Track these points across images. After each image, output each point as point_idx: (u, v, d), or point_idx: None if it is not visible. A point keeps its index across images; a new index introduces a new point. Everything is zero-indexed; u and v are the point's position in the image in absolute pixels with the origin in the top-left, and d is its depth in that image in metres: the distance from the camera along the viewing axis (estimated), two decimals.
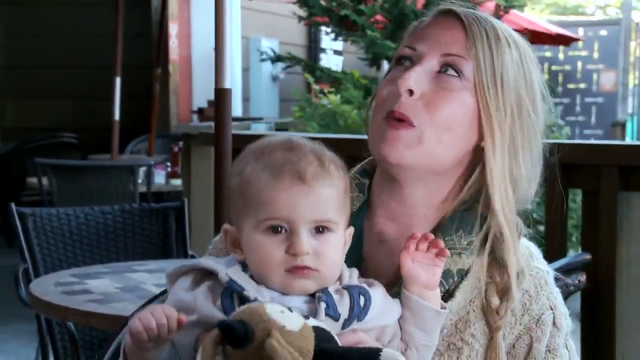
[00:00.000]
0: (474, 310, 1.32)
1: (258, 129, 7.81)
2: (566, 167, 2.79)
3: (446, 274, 1.30)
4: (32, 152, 6.86)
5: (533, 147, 1.33)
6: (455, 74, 1.28)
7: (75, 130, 7.82)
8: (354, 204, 1.36)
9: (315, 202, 1.17)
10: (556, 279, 2.35)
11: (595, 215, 2.73)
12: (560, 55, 12.29)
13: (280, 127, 8.00)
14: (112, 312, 2.35)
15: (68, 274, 2.88)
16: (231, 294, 1.15)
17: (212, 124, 3.00)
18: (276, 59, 6.70)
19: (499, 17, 6.07)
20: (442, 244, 1.23)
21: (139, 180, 5.53)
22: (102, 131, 6.38)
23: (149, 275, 2.86)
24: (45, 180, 5.45)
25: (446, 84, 1.28)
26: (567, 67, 12.29)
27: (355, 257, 1.32)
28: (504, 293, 1.32)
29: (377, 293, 1.22)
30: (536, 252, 1.41)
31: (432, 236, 1.23)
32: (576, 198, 4.23)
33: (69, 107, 8.75)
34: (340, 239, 1.21)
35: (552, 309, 1.35)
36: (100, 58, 7.91)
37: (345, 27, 6.43)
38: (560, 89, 12.00)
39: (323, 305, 1.15)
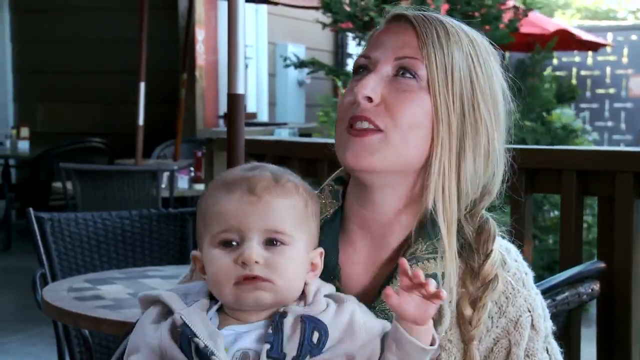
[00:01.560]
0: (449, 310, 1.30)
1: (281, 134, 7.83)
2: (581, 174, 2.76)
3: (432, 279, 1.26)
4: (60, 157, 6.92)
5: (484, 145, 1.31)
6: (411, 76, 1.29)
7: (104, 135, 7.88)
8: (328, 211, 1.35)
9: (264, 211, 1.17)
10: (567, 288, 2.32)
11: (610, 223, 2.69)
12: (589, 60, 12.18)
13: (304, 133, 8.01)
14: (122, 319, 2.36)
15: (82, 279, 2.90)
16: (188, 337, 1.14)
17: None
18: (299, 64, 6.70)
19: (517, 19, 5.98)
20: (432, 286, 1.16)
21: (163, 185, 5.55)
22: (130, 136, 6.42)
23: (162, 281, 2.87)
24: (69, 185, 5.49)
25: (403, 86, 1.29)
26: (596, 72, 12.19)
27: (331, 265, 1.31)
28: (476, 302, 1.30)
29: (343, 315, 1.19)
30: (514, 251, 1.38)
31: (420, 275, 1.16)
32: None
33: (99, 112, 8.83)
34: (297, 254, 1.19)
35: (529, 311, 1.33)
36: (129, 63, 7.97)
37: (369, 32, 6.41)
38: (588, 94, 11.90)
39: (267, 346, 1.13)
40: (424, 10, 1.35)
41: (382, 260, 1.34)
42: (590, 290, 2.35)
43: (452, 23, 1.33)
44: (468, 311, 1.30)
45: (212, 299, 1.20)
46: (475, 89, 1.30)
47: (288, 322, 1.16)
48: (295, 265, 1.19)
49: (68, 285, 2.80)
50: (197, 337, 1.13)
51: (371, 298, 1.30)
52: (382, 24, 1.36)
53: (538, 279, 2.25)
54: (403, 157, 1.28)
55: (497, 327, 1.32)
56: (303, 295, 1.21)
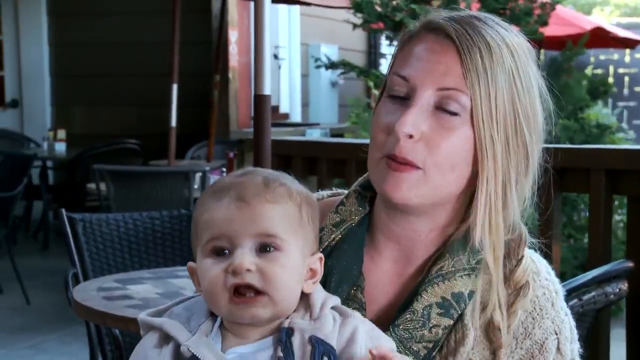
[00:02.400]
0: (475, 331, 1.26)
1: (313, 134, 7.84)
2: (610, 173, 2.74)
3: (458, 297, 1.25)
4: (96, 159, 7.00)
5: (525, 165, 1.26)
6: (453, 112, 1.21)
7: (139, 137, 7.95)
8: (352, 219, 1.32)
9: (253, 216, 1.13)
10: (594, 287, 2.30)
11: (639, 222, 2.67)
12: (627, 58, 12.04)
13: (336, 133, 8.01)
14: None
15: (112, 279, 2.93)
16: None
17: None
18: (330, 65, 6.69)
19: (546, 13, 5.90)
20: None
21: (195, 186, 5.59)
22: (164, 137, 6.48)
23: (190, 281, 2.88)
24: (103, 186, 5.55)
25: (446, 122, 1.22)
26: (634, 70, 12.03)
27: (355, 272, 1.28)
28: (507, 308, 1.27)
29: (346, 330, 1.15)
30: (544, 269, 1.33)
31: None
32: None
33: (134, 114, 8.91)
34: (292, 260, 1.14)
35: (556, 334, 1.29)
36: (164, 66, 8.04)
37: (401, 31, 6.39)
38: (626, 92, 11.75)
39: None
40: (461, 16, 1.25)
41: (408, 273, 1.31)
42: (617, 290, 2.33)
43: (494, 35, 1.24)
44: (498, 317, 1.26)
45: (213, 314, 1.17)
46: (517, 110, 1.23)
47: (296, 342, 1.12)
48: (291, 271, 1.14)
49: (97, 285, 2.83)
50: None
51: (394, 312, 1.27)
52: (416, 30, 1.27)
53: (572, 277, 2.24)
54: (442, 192, 1.24)
55: (521, 348, 1.28)
56: (308, 307, 1.17)
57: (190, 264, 1.20)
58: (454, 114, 1.21)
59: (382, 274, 1.32)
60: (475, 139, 1.22)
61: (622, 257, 3.88)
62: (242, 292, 1.11)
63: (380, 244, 1.32)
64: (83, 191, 7.15)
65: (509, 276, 1.28)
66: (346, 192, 1.38)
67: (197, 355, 1.11)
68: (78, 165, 7.73)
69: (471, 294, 1.26)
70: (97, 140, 7.95)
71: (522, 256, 1.29)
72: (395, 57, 1.29)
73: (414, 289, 1.28)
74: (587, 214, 5.83)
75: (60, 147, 7.85)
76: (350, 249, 1.29)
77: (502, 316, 1.26)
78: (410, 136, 1.20)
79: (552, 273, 1.34)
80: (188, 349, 1.12)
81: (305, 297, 1.18)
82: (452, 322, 1.25)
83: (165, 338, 1.16)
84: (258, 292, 1.11)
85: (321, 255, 1.21)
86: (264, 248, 1.13)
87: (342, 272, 1.27)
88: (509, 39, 1.25)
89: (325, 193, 1.44)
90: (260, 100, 2.75)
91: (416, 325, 1.24)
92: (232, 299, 1.11)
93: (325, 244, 1.31)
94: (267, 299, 1.12)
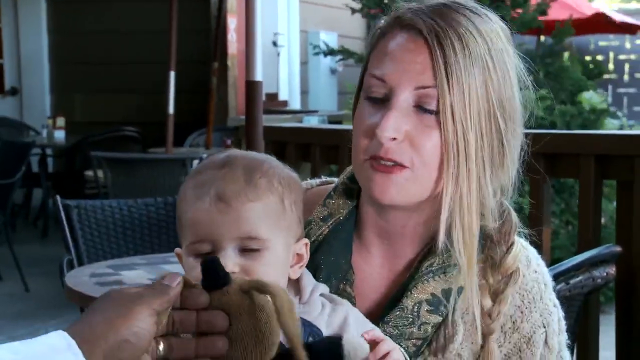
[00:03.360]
0: (464, 325, 1.26)
1: (310, 121, 7.84)
2: (600, 158, 2.74)
3: (448, 294, 1.25)
4: (95, 146, 7.01)
5: (499, 154, 1.24)
6: (432, 110, 1.19)
7: (138, 124, 7.96)
8: (340, 212, 1.31)
9: (236, 219, 1.12)
10: (582, 271, 2.30)
11: (629, 207, 2.68)
12: (627, 44, 12.01)
13: (333, 120, 8.02)
14: None
15: (105, 265, 2.95)
16: None
17: (267, 116, 3.06)
18: (329, 52, 6.69)
19: (546, 3, 5.90)
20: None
21: None
22: (163, 125, 6.49)
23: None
24: (101, 173, 5.57)
25: (426, 120, 1.20)
26: (633, 57, 12.00)
27: (344, 267, 1.28)
28: (497, 294, 1.26)
29: (337, 316, 1.16)
30: (534, 260, 1.33)
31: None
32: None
33: (133, 101, 8.91)
34: (277, 256, 1.14)
35: (544, 327, 1.29)
36: (163, 54, 8.05)
37: None
38: (626, 78, 11.73)
39: None
40: (431, 7, 1.22)
41: (397, 268, 1.31)
42: (605, 274, 2.34)
43: (466, 24, 1.21)
44: (488, 303, 1.26)
45: None
46: (491, 101, 1.21)
47: None
48: (275, 268, 1.14)
49: (90, 270, 2.85)
50: None
51: (383, 307, 1.27)
52: (386, 26, 1.25)
53: None
54: (430, 189, 1.22)
55: (509, 342, 1.28)
56: (298, 291, 1.18)
57: (178, 250, 1.21)
58: (431, 112, 1.20)
59: (371, 269, 1.31)
60: (448, 135, 1.19)
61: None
62: None
63: (367, 239, 1.31)
64: (82, 179, 7.18)
65: (499, 262, 1.27)
66: (335, 180, 1.38)
67: None
68: (77, 153, 7.75)
69: (460, 289, 1.25)
70: (96, 127, 7.96)
71: (513, 242, 1.29)
72: (369, 55, 1.27)
73: (403, 284, 1.28)
74: None
75: (60, 135, 7.87)
76: (338, 243, 1.29)
77: (492, 302, 1.26)
78: (394, 139, 1.19)
79: (542, 264, 1.34)
80: None
81: (295, 282, 1.19)
82: (441, 319, 1.25)
83: None
84: None
85: (306, 240, 1.21)
86: (248, 248, 1.13)
87: (330, 266, 1.27)
88: (482, 27, 1.23)
89: (314, 182, 1.43)
90: (251, 85, 2.76)
91: (405, 322, 1.24)
92: None
93: (313, 238, 1.30)
94: None
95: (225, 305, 1.00)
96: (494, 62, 1.22)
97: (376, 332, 1.13)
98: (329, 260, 1.28)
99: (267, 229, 1.13)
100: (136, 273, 2.80)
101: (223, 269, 1.01)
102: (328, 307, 1.17)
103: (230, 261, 1.11)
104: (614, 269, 2.37)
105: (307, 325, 1.13)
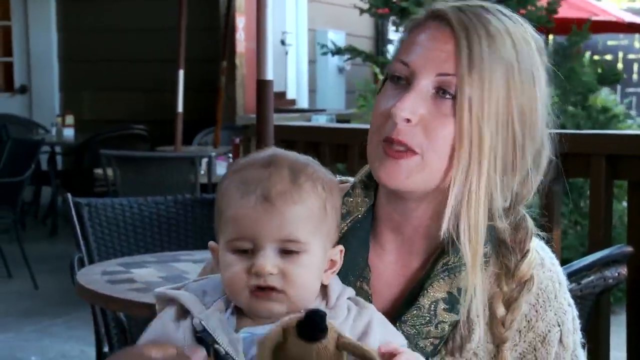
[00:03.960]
0: (479, 325, 1.26)
1: (319, 120, 7.84)
2: (611, 158, 2.74)
3: (464, 292, 1.24)
4: (103, 144, 7.03)
5: (513, 159, 1.24)
6: (450, 97, 1.21)
7: (147, 122, 7.98)
8: (359, 210, 1.31)
9: (279, 221, 1.13)
10: (593, 272, 2.30)
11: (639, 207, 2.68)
12: (636, 44, 11.98)
13: (341, 119, 8.02)
14: (153, 301, 2.40)
15: (116, 263, 2.95)
16: (207, 343, 1.13)
17: (275, 115, 3.06)
18: (337, 51, 6.70)
19: (557, 1, 5.89)
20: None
21: (202, 172, 5.61)
22: (172, 123, 6.50)
23: (193, 265, 2.91)
24: (110, 172, 5.58)
25: (443, 108, 1.21)
26: None
27: (361, 264, 1.28)
28: (510, 303, 1.26)
29: (362, 320, 1.16)
30: (549, 260, 1.33)
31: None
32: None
33: (142, 99, 8.93)
34: (314, 259, 1.15)
35: (559, 326, 1.29)
36: (172, 52, 8.06)
37: (407, 18, 6.40)
38: (635, 78, 11.70)
39: None
40: (468, 6, 1.24)
41: (412, 265, 1.31)
42: (616, 274, 2.34)
43: (498, 25, 1.23)
44: (501, 312, 1.26)
45: (229, 301, 1.17)
46: (511, 105, 1.22)
47: None
48: (312, 271, 1.16)
49: (102, 268, 2.86)
50: (218, 344, 1.12)
51: (398, 305, 1.27)
52: (421, 18, 1.27)
53: None
54: (439, 178, 1.22)
55: (524, 341, 1.28)
56: (325, 295, 1.18)
57: (212, 243, 1.21)
58: (450, 98, 1.21)
59: (386, 267, 1.31)
60: (463, 125, 1.20)
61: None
62: (263, 289, 1.13)
63: (382, 236, 1.32)
64: (91, 177, 7.19)
65: (514, 270, 1.27)
66: (351, 179, 1.38)
67: (208, 328, 1.13)
68: (86, 151, 7.76)
69: (477, 288, 1.25)
70: (105, 125, 7.98)
71: (528, 250, 1.28)
72: (399, 44, 1.29)
73: (419, 282, 1.28)
74: None
75: (69, 133, 7.89)
76: (356, 240, 1.29)
77: (505, 311, 1.26)
78: (408, 120, 1.20)
79: (556, 263, 1.34)
80: (200, 321, 1.14)
81: (323, 286, 1.20)
82: (458, 317, 1.25)
83: (183, 313, 1.17)
84: (278, 291, 1.13)
85: (342, 247, 1.22)
86: (288, 250, 1.14)
87: (348, 264, 1.27)
88: (513, 31, 1.24)
89: None
90: (262, 85, 2.76)
91: (422, 322, 1.24)
92: (253, 294, 1.14)
93: None
94: (286, 297, 1.14)
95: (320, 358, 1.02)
96: (520, 68, 1.23)
97: (393, 344, 1.12)
98: (347, 258, 1.27)
99: (308, 232, 1.14)
100: (147, 271, 2.81)
101: (325, 323, 1.02)
102: (354, 311, 1.17)
103: (270, 263, 1.12)
104: (625, 269, 2.36)
105: None
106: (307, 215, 1.14)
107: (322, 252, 1.17)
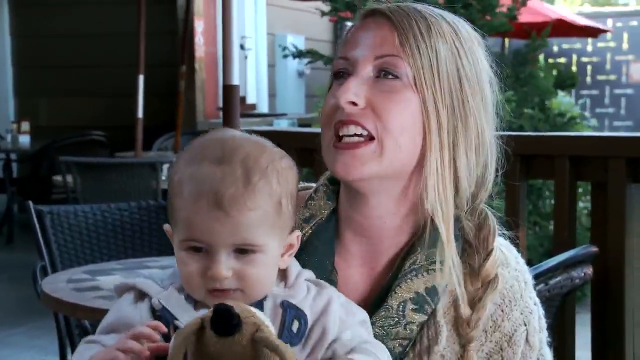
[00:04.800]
0: (446, 325, 1.27)
1: (280, 124, 7.84)
2: (575, 160, 2.78)
3: (431, 292, 1.25)
4: (61, 151, 6.94)
5: (474, 137, 1.26)
6: (393, 77, 1.23)
7: (104, 128, 7.90)
8: (322, 213, 1.31)
9: (232, 228, 1.11)
10: (560, 272, 2.33)
11: (603, 208, 2.72)
12: (589, 47, 12.17)
13: (303, 123, 8.03)
14: None
15: (81, 271, 2.92)
16: (167, 321, 1.13)
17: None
18: (298, 54, 6.71)
19: (515, 7, 5.98)
20: None
21: (163, 177, 5.57)
22: (130, 129, 6.45)
23: (160, 271, 2.89)
24: (70, 178, 5.52)
25: (387, 87, 1.23)
26: (596, 59, 12.17)
27: (327, 268, 1.28)
28: (475, 302, 1.26)
29: (321, 300, 1.16)
30: (514, 259, 1.33)
31: None
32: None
33: (99, 105, 8.85)
34: (270, 256, 1.14)
35: (525, 325, 1.30)
36: (130, 57, 8.00)
37: None
38: (589, 80, 11.89)
39: None
40: (402, 3, 1.28)
41: (379, 267, 1.31)
42: (582, 274, 2.37)
43: (432, 12, 1.27)
44: (467, 312, 1.26)
45: None
46: (462, 81, 1.24)
47: (268, 306, 1.14)
48: (268, 267, 1.15)
49: (67, 276, 2.82)
50: (178, 320, 1.12)
51: (367, 308, 1.26)
52: (357, 20, 1.30)
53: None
54: (397, 161, 1.23)
55: (490, 341, 1.28)
56: (284, 276, 1.18)
57: (167, 226, 1.20)
58: (394, 77, 1.23)
59: (352, 270, 1.31)
60: (420, 103, 1.23)
61: (587, 243, 3.95)
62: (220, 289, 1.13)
63: (348, 240, 1.32)
64: (49, 184, 7.10)
65: (478, 270, 1.28)
66: (314, 185, 1.38)
67: (167, 307, 1.13)
68: (43, 158, 7.66)
69: (443, 289, 1.26)
70: (61, 132, 7.89)
71: (492, 249, 1.29)
72: (339, 47, 1.32)
73: (386, 284, 1.28)
74: (551, 201, 5.93)
75: (25, 140, 7.78)
76: (321, 244, 1.29)
77: (469, 309, 1.26)
78: (355, 104, 1.22)
79: (522, 262, 1.34)
80: (159, 301, 1.14)
81: (281, 269, 1.19)
82: (426, 318, 1.26)
83: (140, 296, 1.18)
84: (235, 290, 1.13)
85: (299, 232, 1.21)
86: (243, 251, 1.12)
87: (315, 267, 1.27)
88: (451, 19, 1.28)
89: None
90: (228, 90, 2.75)
91: (391, 322, 1.24)
92: (210, 293, 1.13)
93: None
94: (243, 294, 1.13)
95: (234, 354, 1.01)
96: (464, 49, 1.26)
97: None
98: (314, 261, 1.28)
99: (263, 234, 1.12)
100: (113, 278, 2.78)
101: (237, 316, 1.01)
102: (313, 290, 1.17)
103: (224, 266, 1.10)
104: (591, 269, 2.40)
105: (292, 308, 1.13)
106: (262, 218, 1.12)
107: (278, 246, 1.16)
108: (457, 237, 1.28)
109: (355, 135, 1.23)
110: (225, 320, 1.01)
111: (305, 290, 1.17)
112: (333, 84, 1.29)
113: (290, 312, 1.13)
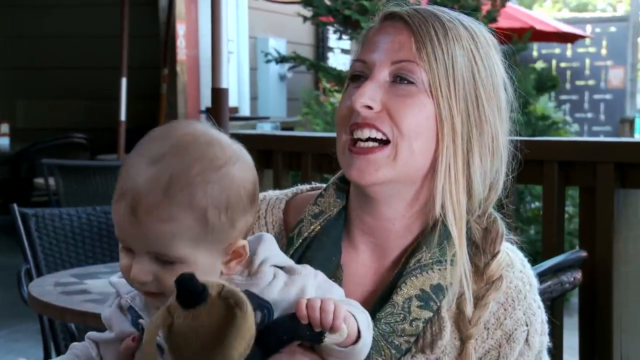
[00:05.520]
0: (448, 321, 1.28)
1: (264, 127, 7.84)
2: (563, 165, 2.79)
3: (437, 289, 1.27)
4: (42, 153, 6.90)
5: (489, 143, 1.27)
6: (408, 82, 1.24)
7: (85, 131, 7.86)
8: (332, 210, 1.33)
9: (146, 237, 1.07)
10: (550, 277, 2.34)
11: (591, 212, 2.73)
12: (569, 52, 12.27)
13: (286, 127, 8.03)
14: None
15: (68, 274, 2.90)
16: (134, 318, 1.15)
17: None
18: (281, 59, 6.71)
19: (496, 10, 6.01)
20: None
21: None
22: (111, 131, 6.42)
23: None
24: (52, 181, 5.48)
25: (403, 91, 1.25)
26: (575, 64, 12.27)
27: (333, 264, 1.29)
28: (478, 300, 1.28)
29: (293, 288, 1.13)
30: (519, 262, 1.35)
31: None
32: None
33: (80, 108, 8.80)
34: (197, 269, 1.06)
35: (527, 325, 1.31)
36: (111, 59, 7.97)
37: (350, 26, 6.44)
38: (568, 85, 11.98)
39: None
40: (420, 6, 1.29)
41: (385, 265, 1.32)
42: (572, 279, 2.38)
43: (450, 17, 1.28)
44: (468, 309, 1.27)
45: None
46: (478, 87, 1.26)
47: None
48: None
49: (54, 280, 2.80)
50: (142, 319, 1.14)
51: (372, 304, 1.27)
52: (376, 22, 1.32)
53: None
54: (410, 166, 1.25)
55: (491, 338, 1.29)
56: (247, 264, 1.15)
57: None
58: (409, 82, 1.24)
59: (359, 267, 1.32)
60: (435, 110, 1.24)
61: (569, 248, 3.97)
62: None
63: (356, 238, 1.33)
64: (29, 186, 7.06)
65: (483, 269, 1.29)
66: (324, 186, 1.40)
67: (133, 305, 1.16)
68: (23, 160, 7.61)
69: (448, 286, 1.27)
70: (41, 134, 7.84)
71: (498, 251, 1.30)
72: (358, 49, 1.34)
73: (391, 281, 1.29)
74: (532, 205, 5.96)
75: (4, 142, 7.73)
76: (328, 241, 1.30)
77: (472, 307, 1.27)
78: (370, 107, 1.24)
79: (528, 266, 1.36)
80: (126, 300, 1.17)
81: (248, 258, 1.16)
82: (431, 314, 1.27)
83: (117, 295, 1.21)
84: (159, 294, 1.10)
85: (245, 242, 1.14)
86: (163, 260, 1.08)
87: (320, 263, 1.27)
88: (468, 23, 1.29)
89: (304, 187, 1.46)
90: (217, 93, 2.74)
91: (397, 319, 1.25)
92: (141, 292, 1.14)
93: (305, 234, 1.32)
94: (168, 297, 1.09)
95: (210, 322, 1.00)
96: (480, 54, 1.27)
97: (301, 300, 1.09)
98: (320, 257, 1.29)
99: (183, 247, 1.07)
100: (101, 282, 2.76)
101: (200, 283, 0.99)
102: (282, 278, 1.14)
103: (143, 270, 1.07)
104: (580, 273, 2.41)
105: (253, 297, 1.09)
106: (178, 231, 1.06)
107: (206, 259, 1.10)
108: (466, 238, 1.29)
109: (370, 139, 1.24)
110: (189, 289, 0.98)
111: (271, 277, 1.13)
112: (349, 86, 1.30)
113: (252, 301, 1.05)
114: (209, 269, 1.10)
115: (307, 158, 3.30)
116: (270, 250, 1.17)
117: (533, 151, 2.86)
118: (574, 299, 3.51)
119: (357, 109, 1.24)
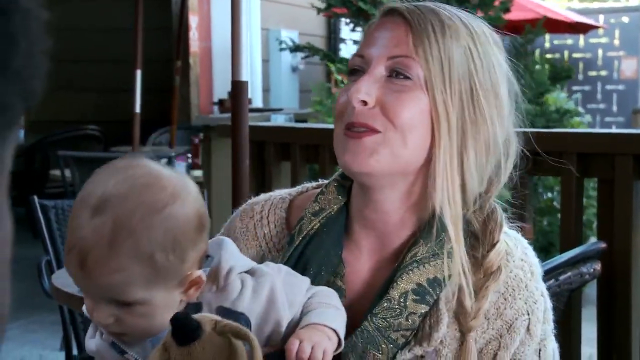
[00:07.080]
0: (447, 313, 1.28)
1: (277, 119, 7.85)
2: (582, 156, 2.80)
3: (433, 283, 1.27)
4: (55, 145, 6.92)
5: (485, 139, 1.28)
6: (404, 77, 1.26)
7: (99, 123, 7.88)
8: (332, 207, 1.34)
9: (99, 288, 1.09)
10: (570, 268, 2.35)
11: (610, 204, 2.73)
12: (581, 43, 12.21)
13: (299, 119, 8.03)
14: None
15: None
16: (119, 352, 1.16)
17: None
18: (295, 48, 6.72)
19: (509, 1, 5.99)
20: None
21: None
22: (125, 123, 6.43)
23: None
24: (67, 173, 5.51)
25: (398, 86, 1.26)
26: (588, 55, 12.20)
27: (334, 260, 1.31)
28: (477, 292, 1.28)
29: (263, 290, 1.15)
30: (520, 250, 1.35)
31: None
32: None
33: (93, 100, 8.81)
34: (155, 306, 1.11)
35: (528, 314, 1.31)
36: (124, 51, 7.98)
37: (363, 18, 6.45)
38: (580, 76, 11.93)
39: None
40: (420, 2, 1.31)
41: (384, 260, 1.33)
42: (592, 270, 2.39)
43: (449, 13, 1.30)
44: (468, 301, 1.28)
45: None
46: (474, 84, 1.27)
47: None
48: (153, 316, 1.12)
49: None
50: (127, 354, 1.15)
51: (372, 299, 1.29)
52: (376, 18, 1.34)
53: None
54: (402, 157, 1.26)
55: (492, 328, 1.30)
56: (215, 278, 1.17)
57: None
58: (405, 77, 1.26)
59: (361, 263, 1.34)
60: (430, 105, 1.25)
61: (584, 239, 3.97)
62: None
63: (356, 234, 1.34)
64: (43, 178, 7.08)
65: (481, 261, 1.30)
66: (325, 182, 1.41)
67: (115, 341, 1.16)
68: (37, 152, 7.64)
69: (445, 279, 1.27)
70: (54, 126, 7.86)
71: (497, 241, 1.30)
72: (358, 44, 1.37)
73: (389, 276, 1.30)
74: (545, 197, 5.96)
75: (18, 134, 7.75)
76: (329, 237, 1.32)
77: (471, 300, 1.28)
78: (365, 103, 1.26)
79: (530, 254, 1.36)
80: (108, 336, 1.18)
81: (213, 270, 1.18)
82: (428, 308, 1.27)
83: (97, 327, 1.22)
84: (123, 334, 1.14)
85: (201, 272, 1.15)
86: (121, 303, 1.11)
87: (321, 260, 1.30)
88: (466, 20, 1.30)
89: (310, 185, 1.48)
90: (237, 86, 2.75)
91: (393, 314, 1.26)
92: (106, 332, 1.16)
93: (305, 232, 1.34)
94: (131, 337, 1.15)
95: (207, 356, 1.02)
96: (478, 51, 1.28)
97: (289, 346, 1.13)
98: (320, 254, 1.31)
99: (138, 290, 1.10)
100: None
101: (194, 320, 1.02)
102: (250, 282, 1.16)
103: (103, 314, 1.11)
104: (599, 264, 2.42)
105: (227, 313, 1.11)
106: (130, 279, 1.08)
107: (162, 296, 1.12)
108: (464, 230, 1.30)
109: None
110: (184, 327, 1.01)
111: (239, 286, 1.15)
112: (348, 79, 1.34)
113: (228, 318, 1.08)
114: (168, 303, 1.12)
115: (324, 150, 3.32)
116: (234, 257, 1.19)
117: (551, 143, 2.89)
118: (588, 290, 3.51)
119: (353, 104, 1.26)
